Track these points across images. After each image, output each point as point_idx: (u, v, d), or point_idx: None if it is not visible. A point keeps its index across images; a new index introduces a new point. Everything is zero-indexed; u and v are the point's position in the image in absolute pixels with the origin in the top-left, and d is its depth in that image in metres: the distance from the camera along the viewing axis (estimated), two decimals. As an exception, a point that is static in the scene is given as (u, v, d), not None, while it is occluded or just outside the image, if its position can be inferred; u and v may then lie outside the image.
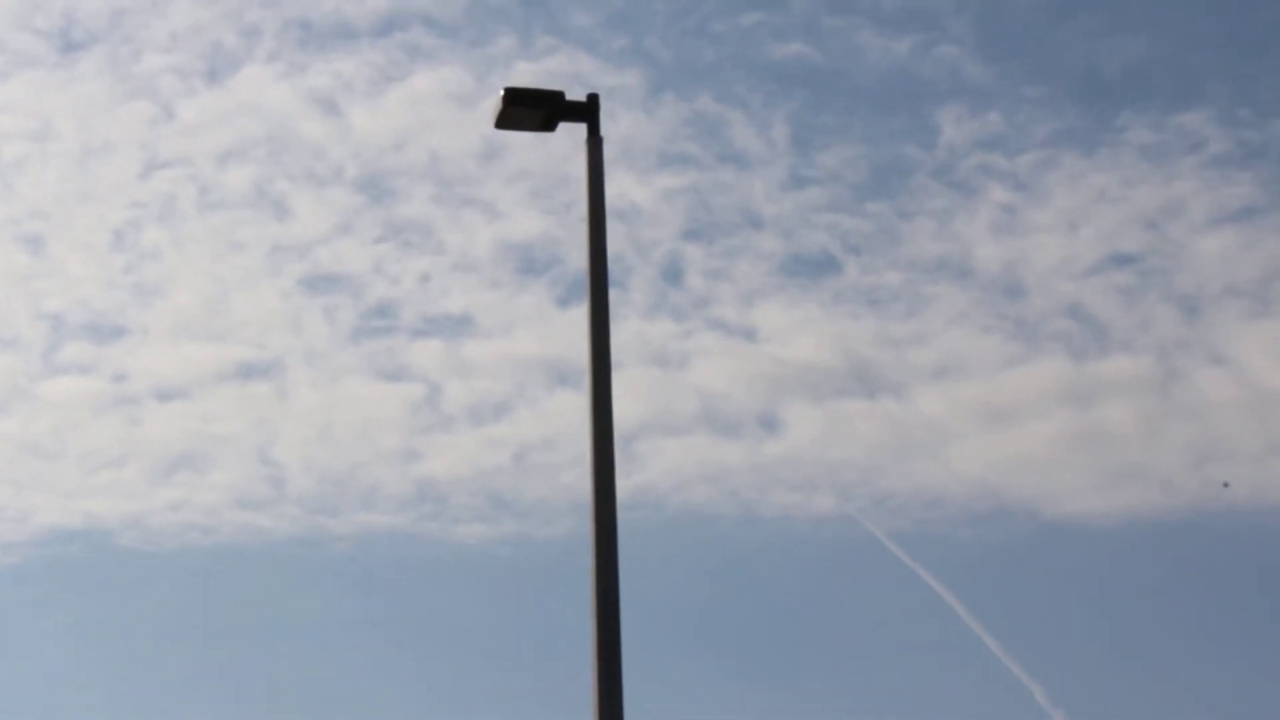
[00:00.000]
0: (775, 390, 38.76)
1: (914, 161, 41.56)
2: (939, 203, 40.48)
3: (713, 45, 43.33)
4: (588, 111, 14.11)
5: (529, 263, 41.16)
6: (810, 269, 40.82)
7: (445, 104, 43.25)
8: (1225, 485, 35.55)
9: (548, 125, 14.19)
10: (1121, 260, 39.11)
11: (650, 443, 36.54)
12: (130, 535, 37.68)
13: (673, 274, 40.25)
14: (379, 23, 43.11)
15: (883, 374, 38.23)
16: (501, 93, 14.00)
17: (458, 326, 40.25)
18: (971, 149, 40.94)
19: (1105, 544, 35.98)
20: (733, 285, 39.76)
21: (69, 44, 42.96)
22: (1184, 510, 35.98)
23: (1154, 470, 36.55)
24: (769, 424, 38.28)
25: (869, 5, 42.94)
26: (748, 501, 37.30)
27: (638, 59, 42.46)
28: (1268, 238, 39.52)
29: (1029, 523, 36.27)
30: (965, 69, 42.54)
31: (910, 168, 41.54)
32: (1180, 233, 39.41)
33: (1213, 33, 43.61)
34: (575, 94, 14.13)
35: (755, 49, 43.38)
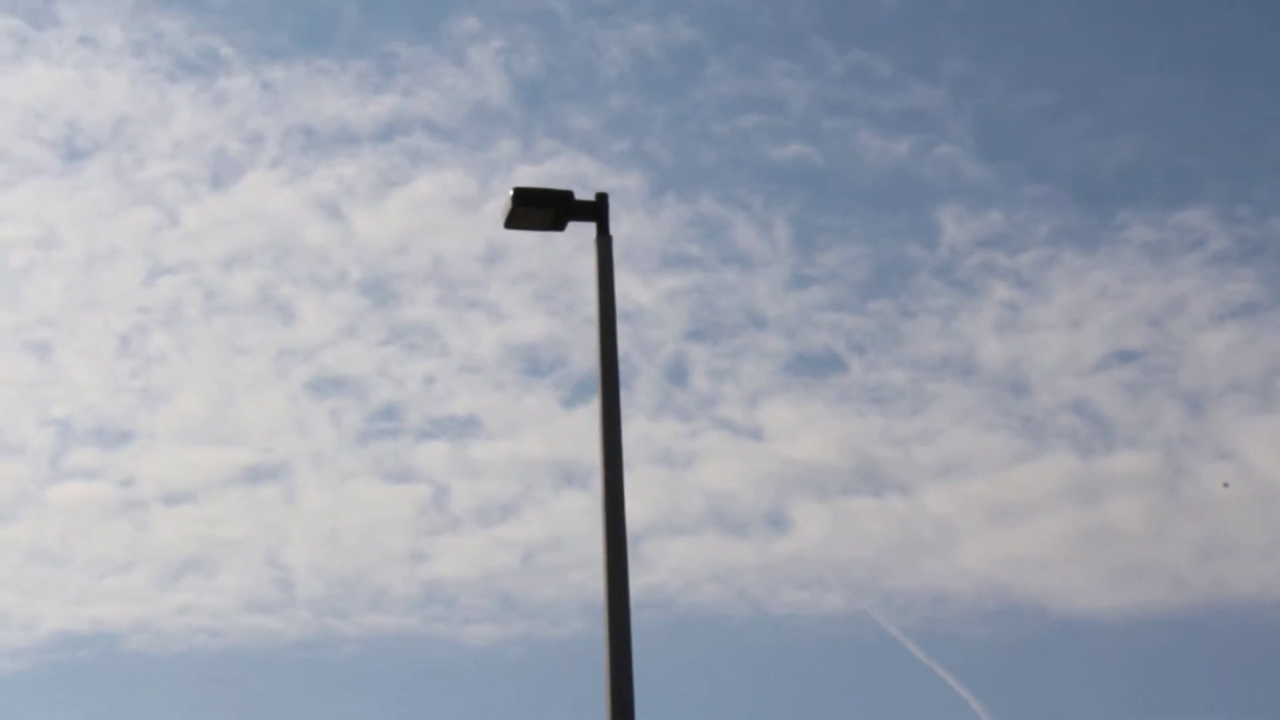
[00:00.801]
0: (782, 489, 38.68)
1: (916, 260, 41.70)
2: (942, 301, 40.58)
3: (713, 147, 43.60)
4: (597, 210, 14.12)
5: (534, 364, 41.21)
6: (815, 368, 40.85)
7: (448, 207, 43.47)
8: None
9: (557, 225, 14.20)
10: (1125, 357, 39.16)
11: (658, 542, 36.42)
12: (138, 639, 37.50)
13: (678, 374, 40.29)
14: (380, 128, 43.38)
15: (889, 472, 38.16)
16: (510, 193, 14.01)
17: (464, 428, 40.24)
18: (973, 247, 41.08)
19: (1115, 640, 35.76)
20: (738, 385, 39.78)
21: (73, 152, 43.22)
22: (1193, 606, 35.80)
23: (1162, 566, 36.40)
24: (777, 522, 38.18)
25: (867, 107, 43.24)
26: (757, 600, 37.12)
27: (639, 161, 42.71)
28: (1270, 333, 39.59)
29: (1038, 620, 36.07)
30: (965, 169, 42.76)
31: (912, 267, 41.66)
32: (1183, 329, 39.50)
33: (1209, 131, 43.88)
34: (579, 195, 14.17)
35: (755, 150, 43.65)
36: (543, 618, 37.09)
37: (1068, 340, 39.31)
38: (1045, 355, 39.29)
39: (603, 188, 14.25)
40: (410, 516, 38.60)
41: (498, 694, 36.38)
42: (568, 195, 14.06)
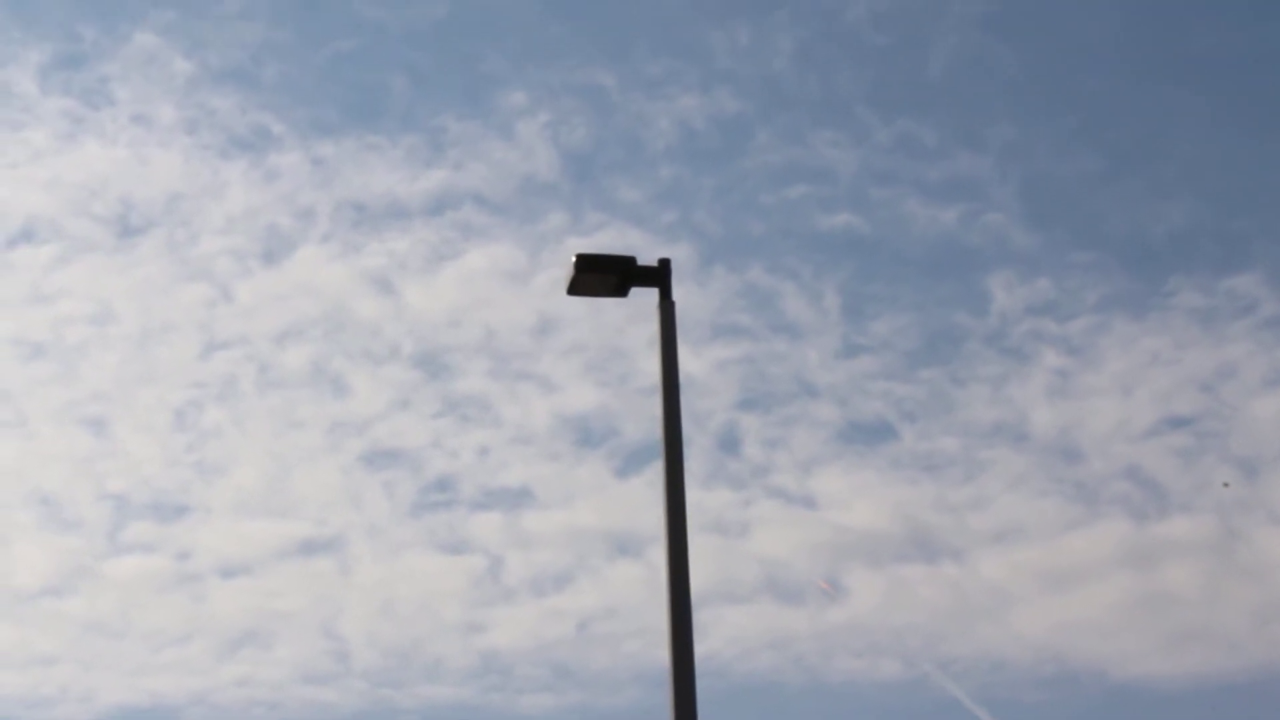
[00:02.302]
0: (836, 556, 38.61)
1: (965, 328, 41.70)
2: (992, 369, 40.55)
3: (761, 217, 43.73)
4: (659, 276, 14.17)
5: (586, 435, 41.27)
6: (867, 436, 40.81)
7: (499, 280, 43.69)
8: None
9: (620, 291, 14.25)
10: (1177, 423, 39.00)
11: (713, 611, 36.33)
12: (196, 712, 37.57)
13: (730, 443, 40.28)
14: (431, 202, 43.69)
15: (942, 539, 38.06)
16: (573, 259, 14.10)
17: (517, 499, 40.30)
18: (1023, 315, 41.06)
19: (1174, 706, 35.50)
20: (790, 453, 39.77)
21: (127, 229, 43.63)
22: (1251, 670, 35.52)
23: (1219, 631, 36.15)
24: (831, 590, 38.04)
25: (913, 175, 43.36)
26: (812, 668, 36.99)
27: (687, 232, 42.88)
28: (1323, 398, 39.41)
29: (1096, 685, 35.84)
30: (1013, 236, 42.80)
31: (962, 335, 41.67)
32: (1234, 395, 39.36)
33: (1257, 195, 43.84)
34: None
35: (803, 220, 43.77)
36: (598, 687, 37.05)
37: (1119, 406, 39.23)
38: (1097, 422, 39.21)
39: (652, 259, 14.30)
40: (465, 587, 38.66)
41: (554, 764, 36.29)
42: (630, 260, 14.12)
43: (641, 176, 44.72)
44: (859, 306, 42.49)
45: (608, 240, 41.34)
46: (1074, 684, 35.87)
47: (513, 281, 43.38)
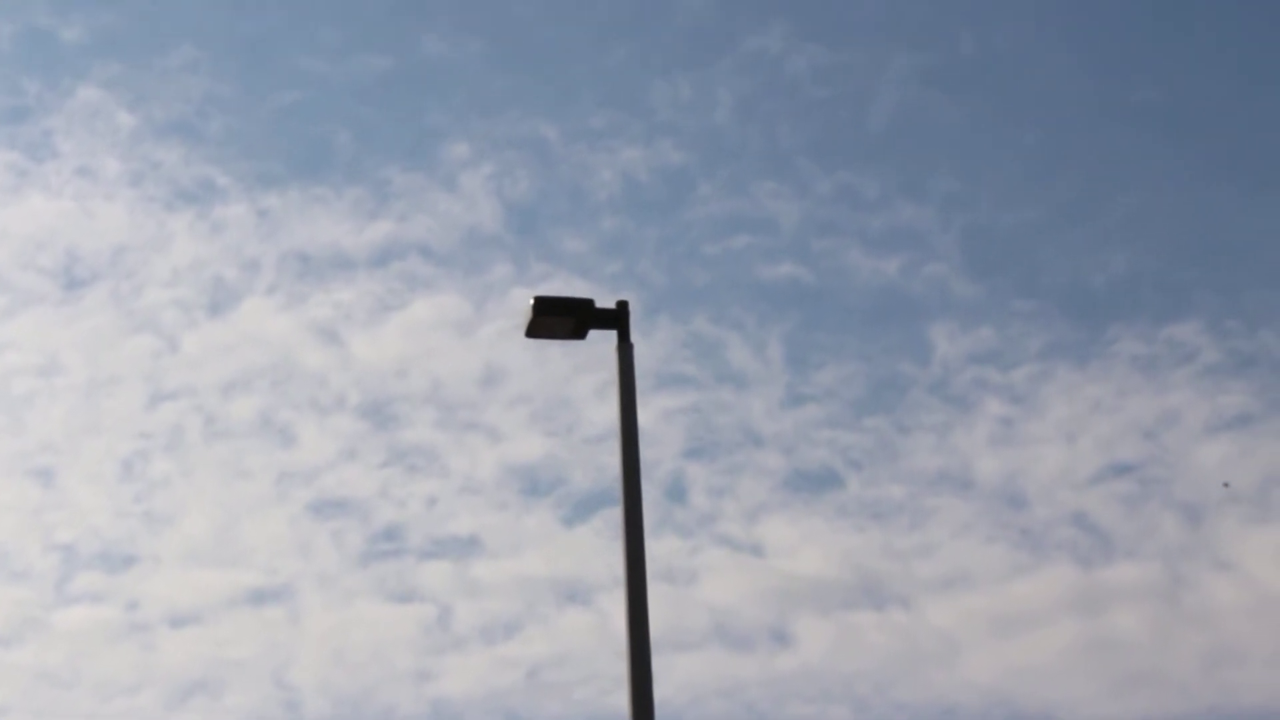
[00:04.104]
0: (785, 604, 38.72)
1: (909, 377, 41.95)
2: (936, 417, 40.80)
3: (705, 268, 43.96)
4: (617, 318, 14.30)
5: (533, 484, 41.30)
6: (813, 484, 40.97)
7: (444, 331, 43.75)
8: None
9: (578, 333, 14.37)
10: (1121, 469, 39.35)
11: (663, 659, 36.33)
12: (141, 766, 37.30)
13: (676, 492, 40.38)
14: (376, 253, 43.73)
15: (890, 586, 38.22)
16: (531, 302, 14.18)
17: (466, 548, 40.33)
18: (965, 364, 41.39)
19: (1122, 752, 35.67)
20: (737, 501, 39.89)
21: (72, 281, 43.50)
22: (1200, 715, 35.74)
23: (1168, 675, 36.39)
24: (780, 637, 38.17)
25: (856, 226, 43.66)
26: (764, 714, 36.98)
27: (631, 283, 43.03)
28: (1264, 445, 39.83)
29: (1045, 731, 35.98)
30: (954, 286, 43.13)
31: (906, 383, 41.91)
32: (1177, 441, 39.75)
33: (1196, 245, 44.36)
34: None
35: (746, 270, 44.01)
36: (547, 736, 36.97)
37: (1063, 454, 39.53)
38: (1041, 469, 39.50)
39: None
40: (415, 636, 38.60)
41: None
42: (588, 303, 14.21)
43: (585, 227, 44.89)
44: (803, 356, 42.74)
45: (552, 291, 41.14)
46: (1023, 729, 36.00)
47: (459, 332, 43.48)
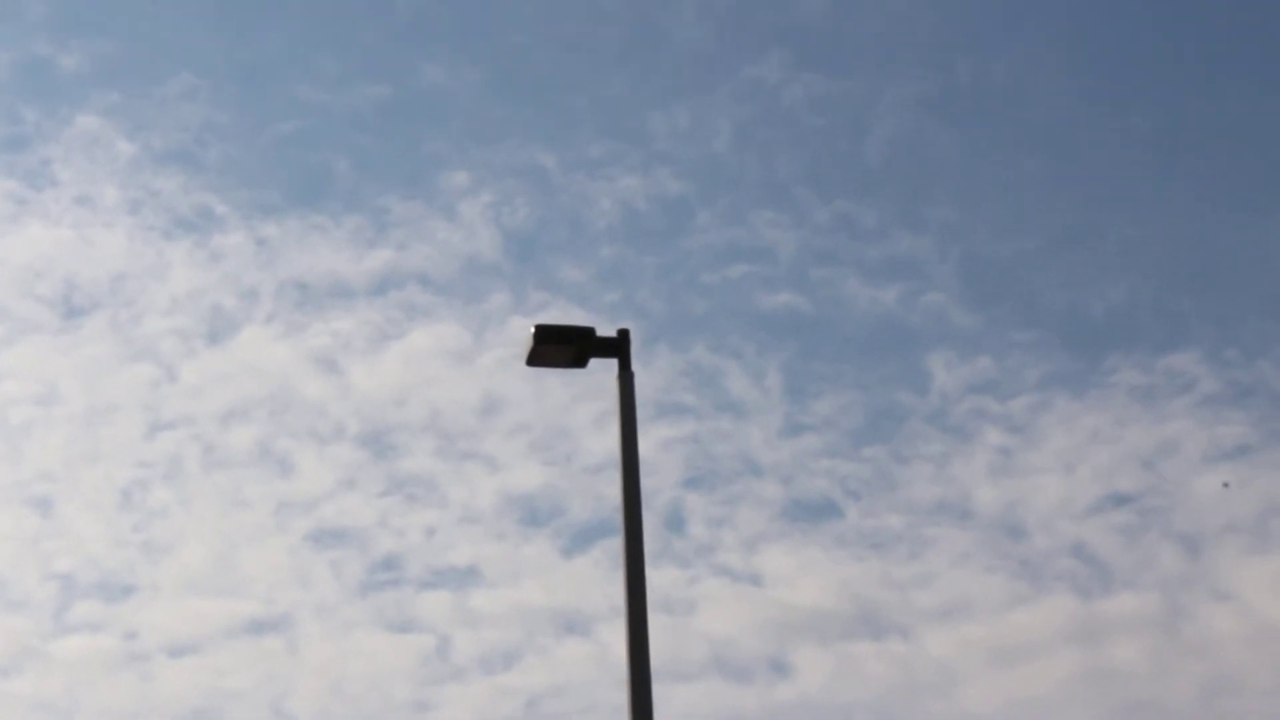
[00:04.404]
0: (783, 634, 38.67)
1: (908, 407, 41.93)
2: (935, 447, 40.77)
3: (703, 297, 43.98)
4: (618, 346, 14.29)
5: (532, 514, 41.27)
6: (811, 514, 40.93)
7: (443, 360, 43.75)
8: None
9: (579, 361, 14.35)
10: (1120, 500, 39.33)
11: (662, 689, 36.29)
12: (143, 794, 37.23)
13: (675, 522, 40.34)
14: (375, 282, 43.75)
15: (889, 616, 38.18)
16: (532, 330, 14.19)
17: (464, 578, 40.29)
18: (964, 394, 41.39)
19: (1122, 781, 35.62)
20: (735, 531, 39.85)
21: (71, 310, 43.51)
22: (1198, 746, 35.69)
23: (1167, 705, 36.34)
24: (779, 668, 38.12)
25: (854, 256, 43.70)
26: (760, 747, 36.95)
27: (630, 312, 43.02)
28: (1263, 475, 39.83)
29: (1045, 761, 35.91)
30: (953, 316, 43.17)
31: (904, 413, 41.88)
32: (1176, 471, 39.73)
33: (1193, 275, 44.42)
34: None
35: (745, 299, 44.03)
36: (546, 766, 36.90)
37: (1062, 484, 39.50)
38: (1040, 499, 39.47)
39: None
40: (414, 666, 38.54)
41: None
42: (589, 331, 14.21)
43: (584, 256, 44.92)
44: (801, 385, 42.72)
45: (550, 319, 41.12)
46: (1023, 759, 35.94)
47: (457, 361, 43.49)
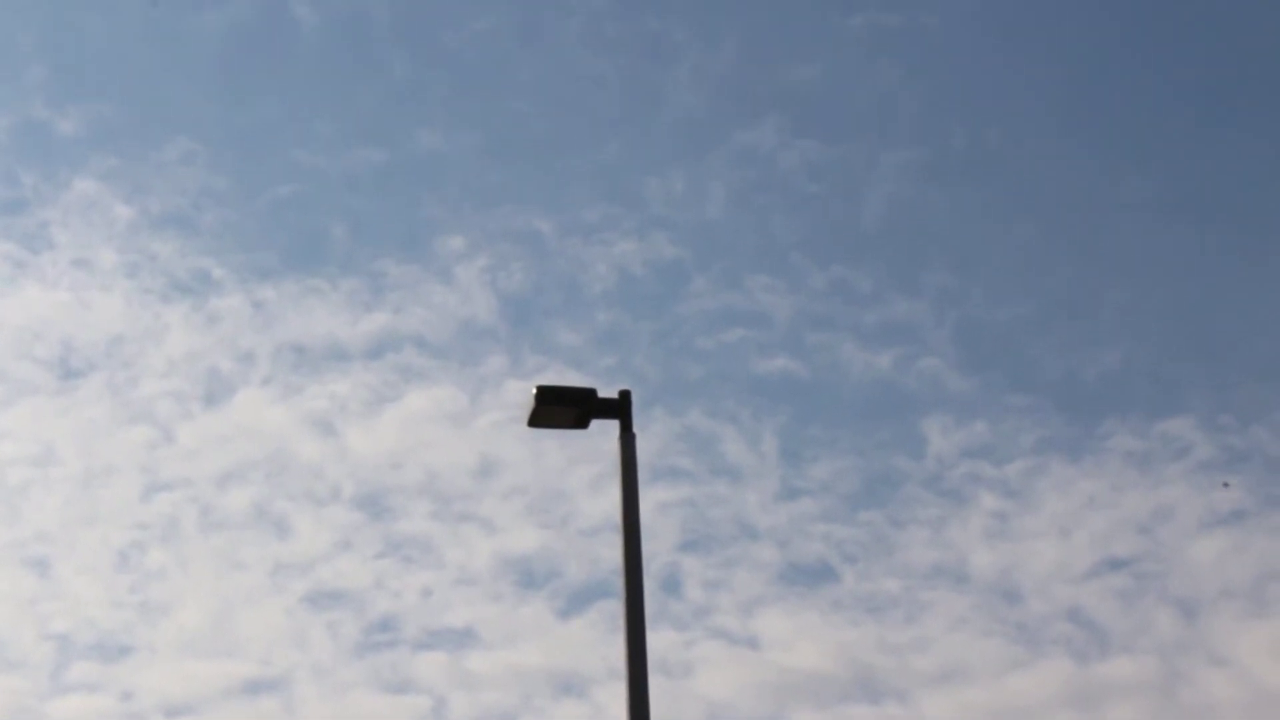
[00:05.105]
0: (781, 697, 38.62)
1: (904, 471, 41.97)
2: (931, 511, 40.80)
3: (699, 361, 44.07)
4: (620, 408, 14.35)
5: (528, 576, 41.26)
6: (808, 578, 40.91)
7: (439, 423, 43.80)
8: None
9: (580, 423, 14.37)
10: (1116, 564, 39.36)
11: (658, 753, 36.25)
12: None
13: (672, 585, 40.32)
14: (371, 345, 43.85)
15: (886, 680, 38.13)
16: (534, 391, 14.23)
17: (461, 639, 40.26)
18: (959, 458, 41.45)
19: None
20: (732, 594, 39.84)
21: (68, 371, 43.58)
22: (1195, 812, 35.61)
23: (1164, 771, 36.27)
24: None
25: (850, 321, 43.83)
26: (758, 812, 36.84)
27: (626, 376, 43.12)
28: (1259, 540, 39.88)
29: (1044, 826, 35.81)
30: (948, 380, 43.27)
31: (900, 477, 41.93)
32: (1172, 536, 39.78)
33: (1188, 341, 44.57)
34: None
35: (741, 364, 44.12)
36: (542, 829, 36.78)
37: (1058, 548, 39.52)
38: (1036, 563, 39.48)
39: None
40: (409, 728, 38.46)
41: None
42: (591, 392, 14.26)
43: (580, 320, 45.03)
44: (797, 450, 42.76)
45: (546, 382, 41.45)
46: (1020, 825, 35.85)
47: (454, 424, 43.53)
